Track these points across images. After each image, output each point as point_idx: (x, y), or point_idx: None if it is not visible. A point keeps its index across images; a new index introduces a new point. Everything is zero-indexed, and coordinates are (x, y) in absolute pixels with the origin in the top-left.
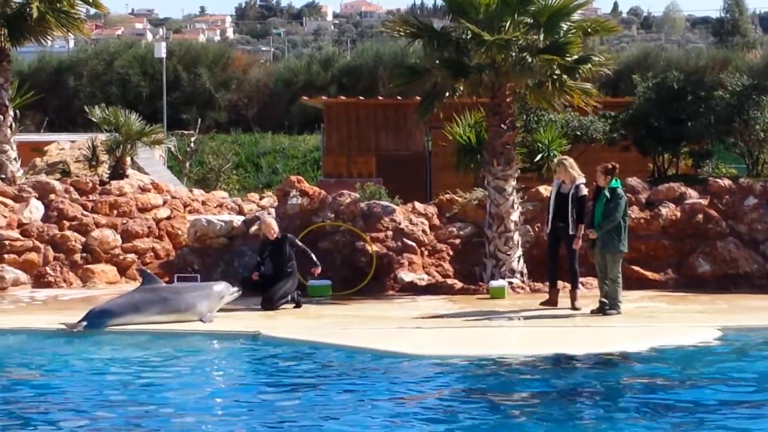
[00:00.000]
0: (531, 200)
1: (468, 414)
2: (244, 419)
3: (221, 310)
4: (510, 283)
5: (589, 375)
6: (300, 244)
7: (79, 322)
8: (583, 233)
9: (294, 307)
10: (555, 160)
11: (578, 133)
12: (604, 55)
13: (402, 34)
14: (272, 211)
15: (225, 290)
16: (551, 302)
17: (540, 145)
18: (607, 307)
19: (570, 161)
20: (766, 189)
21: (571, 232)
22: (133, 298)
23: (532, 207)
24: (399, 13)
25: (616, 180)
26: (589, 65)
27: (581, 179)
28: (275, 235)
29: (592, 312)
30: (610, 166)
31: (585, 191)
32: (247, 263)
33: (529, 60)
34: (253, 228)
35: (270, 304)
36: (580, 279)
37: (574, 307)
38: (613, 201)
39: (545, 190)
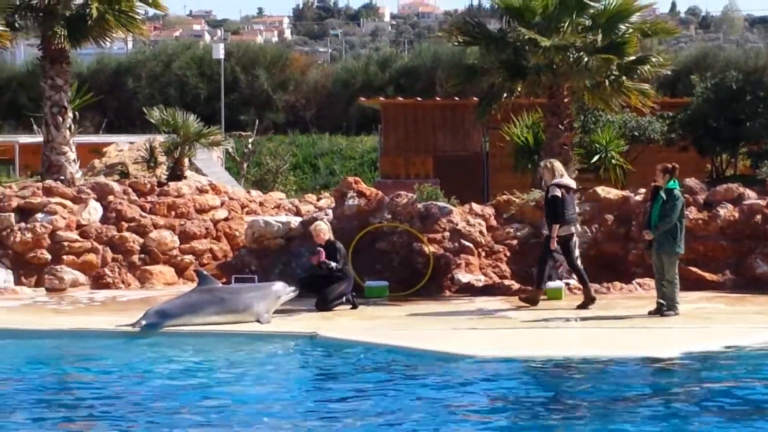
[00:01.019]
0: (588, 201)
1: (523, 415)
2: (302, 421)
3: (278, 311)
4: (567, 284)
5: (646, 376)
6: (339, 256)
7: (138, 321)
8: (645, 232)
9: (350, 309)
10: (540, 164)
11: (636, 133)
12: (662, 55)
13: (459, 41)
14: (330, 212)
15: (282, 290)
16: (531, 300)
17: (597, 146)
18: (665, 308)
19: (552, 164)
20: None
21: (544, 232)
22: (190, 298)
23: (589, 208)
24: (456, 13)
25: (674, 181)
26: (648, 66)
27: (555, 180)
28: (324, 241)
29: (650, 313)
30: (669, 166)
31: (556, 192)
32: (305, 264)
33: (587, 60)
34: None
35: (325, 304)
36: (638, 280)
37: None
38: (669, 202)
39: (603, 190)
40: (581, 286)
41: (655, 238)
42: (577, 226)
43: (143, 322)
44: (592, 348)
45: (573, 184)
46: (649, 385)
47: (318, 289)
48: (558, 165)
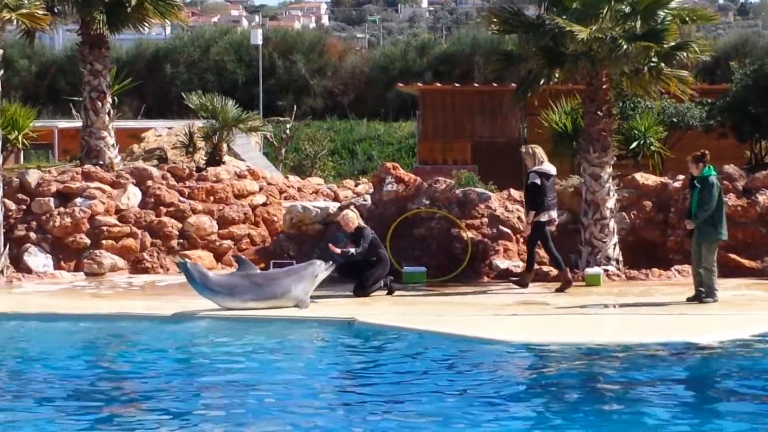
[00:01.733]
0: (627, 187)
1: (561, 401)
2: (340, 406)
3: (315, 296)
4: (605, 270)
5: (684, 362)
6: (361, 240)
7: (184, 260)
8: (687, 222)
9: (387, 294)
10: (523, 148)
11: (674, 120)
12: (701, 42)
13: (497, 29)
14: (368, 198)
15: (318, 269)
16: (521, 284)
17: (636, 132)
18: (704, 295)
19: (534, 150)
20: None
21: (527, 218)
22: (230, 281)
23: (627, 194)
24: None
25: (709, 168)
26: (687, 52)
27: (535, 167)
28: (352, 229)
29: (688, 300)
30: (699, 154)
31: (536, 180)
32: (342, 249)
33: (625, 47)
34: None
35: (362, 290)
36: (677, 267)
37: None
38: (705, 189)
39: (641, 177)
40: (557, 271)
41: (696, 227)
42: (556, 211)
43: (188, 262)
44: (630, 334)
45: (553, 170)
46: (686, 371)
47: (356, 275)
48: (539, 151)
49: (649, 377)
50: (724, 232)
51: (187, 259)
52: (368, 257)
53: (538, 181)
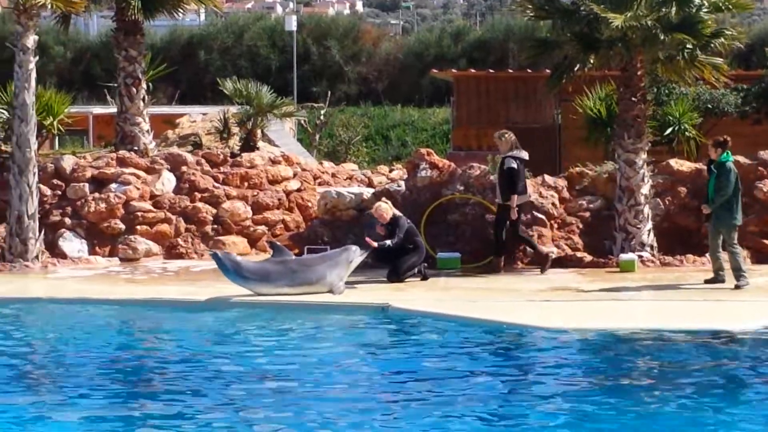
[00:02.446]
0: (661, 173)
1: (594, 387)
2: (374, 392)
3: (350, 282)
4: (640, 256)
5: (716, 349)
6: (397, 231)
7: (214, 251)
8: (703, 207)
9: (421, 280)
10: (496, 134)
11: (709, 106)
12: (736, 28)
13: (532, 15)
14: (402, 184)
15: (353, 255)
16: (494, 269)
17: (671, 119)
18: (720, 277)
19: (507, 135)
20: None
21: (497, 201)
22: (264, 267)
23: (662, 180)
24: None
25: (727, 154)
26: (722, 39)
27: (511, 152)
28: (387, 220)
29: (706, 281)
30: (721, 139)
31: (512, 164)
32: (379, 243)
33: (661, 37)
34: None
35: (396, 276)
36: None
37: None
38: (723, 175)
39: (676, 163)
40: (532, 250)
41: (713, 212)
42: (528, 195)
43: (219, 254)
44: (664, 320)
45: (526, 155)
46: (718, 357)
47: (390, 261)
48: (512, 136)
49: (682, 363)
50: (739, 218)
51: (218, 250)
52: (404, 245)
53: (515, 166)
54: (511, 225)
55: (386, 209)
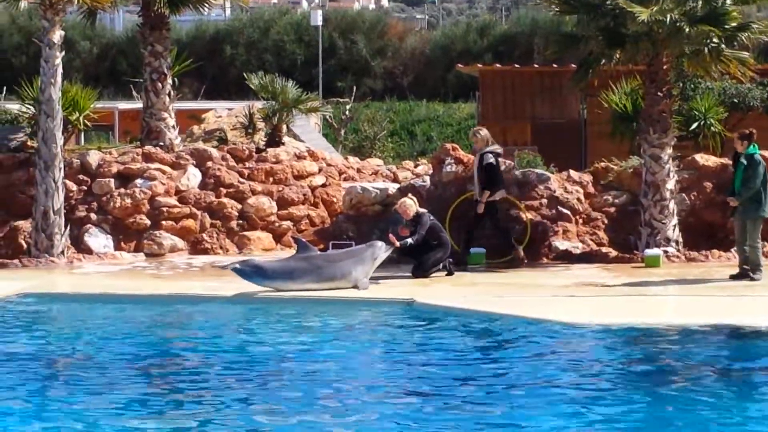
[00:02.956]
0: (687, 168)
1: (622, 382)
2: (399, 387)
3: (375, 277)
4: (665, 251)
5: (743, 345)
6: (418, 227)
7: (233, 263)
8: (730, 199)
9: (446, 275)
10: (471, 131)
11: (735, 100)
12: (763, 22)
13: (557, 10)
14: (427, 179)
15: (378, 251)
16: (516, 262)
17: (696, 113)
18: (750, 272)
19: (482, 132)
20: None
21: (475, 198)
22: (288, 265)
23: (688, 175)
24: None
25: (754, 146)
26: (748, 33)
27: (488, 147)
28: (410, 216)
29: (731, 277)
30: (747, 132)
31: (490, 159)
32: (401, 241)
33: (687, 30)
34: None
35: (421, 271)
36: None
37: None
38: (751, 167)
39: (701, 158)
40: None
41: (739, 204)
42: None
43: (237, 266)
44: (689, 316)
45: (500, 149)
46: (745, 353)
47: (415, 256)
48: (487, 132)
49: (709, 359)
50: (766, 210)
51: (235, 264)
52: (429, 241)
53: (494, 161)
54: (477, 217)
55: (410, 205)
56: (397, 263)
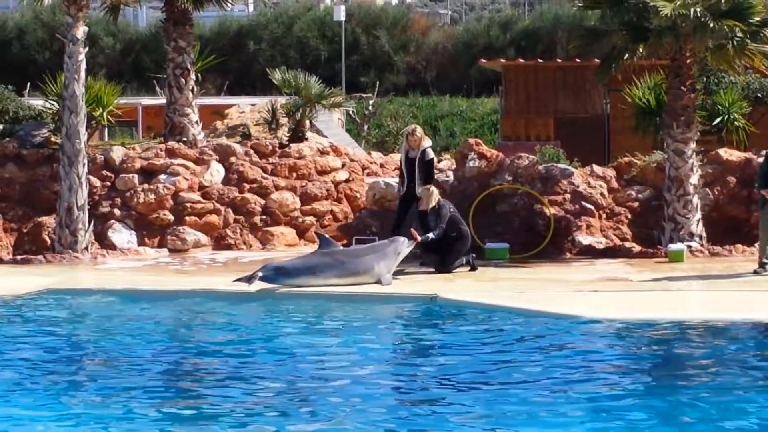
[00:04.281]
0: (710, 163)
1: (647, 377)
2: (423, 383)
3: (398, 272)
4: (689, 246)
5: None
6: (438, 221)
7: (255, 272)
8: (762, 193)
9: (469, 270)
10: (405, 129)
11: (759, 95)
12: None
13: (580, 4)
14: (450, 174)
15: (400, 246)
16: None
17: (720, 108)
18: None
19: (418, 129)
20: None
21: (418, 194)
22: (310, 261)
23: (711, 170)
24: None
25: None
26: None
27: (427, 143)
28: (430, 207)
29: (755, 272)
30: None
31: (432, 155)
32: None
33: (711, 25)
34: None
35: (444, 266)
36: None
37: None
38: None
39: (725, 152)
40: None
41: None
42: None
43: (260, 274)
44: (715, 311)
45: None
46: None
47: (437, 251)
48: (422, 130)
49: (735, 354)
50: None
51: (257, 274)
52: (449, 233)
53: (434, 156)
54: (403, 214)
55: (434, 195)
56: (419, 258)
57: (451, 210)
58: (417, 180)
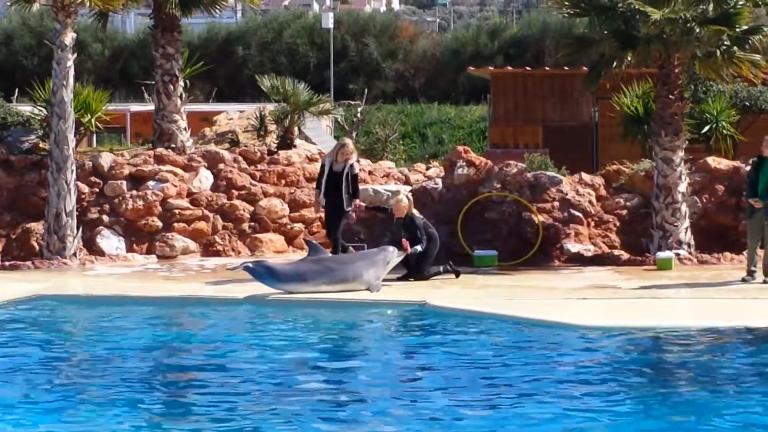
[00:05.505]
0: (699, 171)
1: (633, 385)
2: (412, 389)
3: (386, 279)
4: (677, 254)
5: (754, 347)
6: (418, 232)
7: (244, 263)
8: (750, 201)
9: (456, 277)
10: (339, 142)
11: (747, 103)
12: None
13: (569, 12)
14: (439, 181)
15: (390, 255)
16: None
17: (708, 116)
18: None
19: (350, 144)
20: None
21: (346, 208)
22: (300, 268)
23: (699, 178)
24: None
25: None
26: (760, 36)
27: (354, 158)
28: (402, 215)
29: (743, 279)
30: None
31: (357, 170)
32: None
33: (698, 31)
34: (390, 202)
35: (419, 272)
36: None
37: None
38: None
39: (713, 161)
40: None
41: (763, 206)
42: None
43: (250, 265)
44: (702, 318)
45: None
46: (758, 355)
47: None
48: (352, 144)
49: (723, 362)
50: None
51: (247, 263)
52: (416, 241)
53: (359, 171)
54: (341, 223)
55: (405, 206)
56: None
57: (422, 218)
58: (344, 194)
